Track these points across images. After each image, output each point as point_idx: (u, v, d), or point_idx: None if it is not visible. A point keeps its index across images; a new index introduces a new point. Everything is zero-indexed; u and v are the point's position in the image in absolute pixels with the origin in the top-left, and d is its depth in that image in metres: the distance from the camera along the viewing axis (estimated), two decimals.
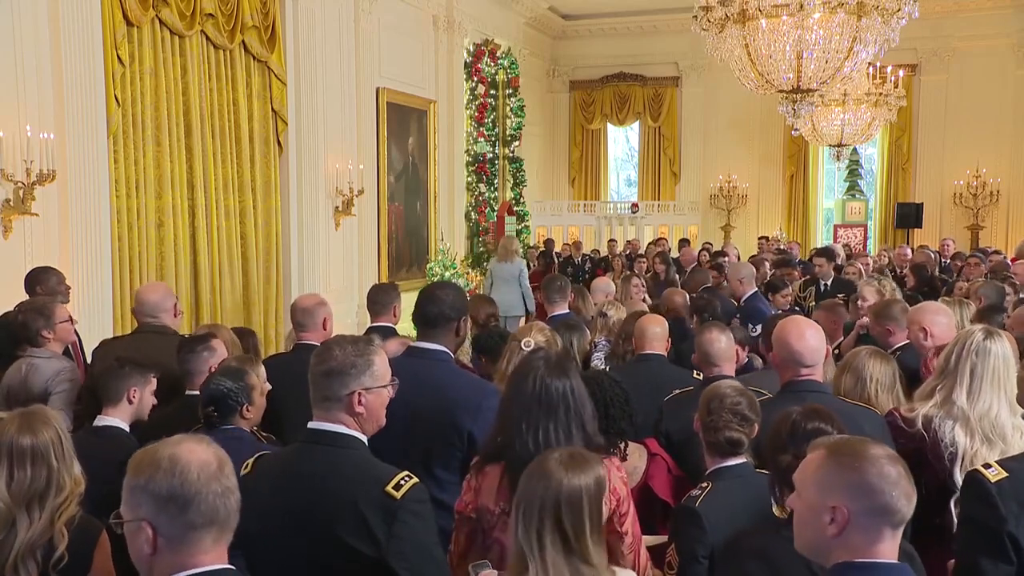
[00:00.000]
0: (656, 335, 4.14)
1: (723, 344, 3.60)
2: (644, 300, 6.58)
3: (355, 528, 2.11)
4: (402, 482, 2.14)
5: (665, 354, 4.18)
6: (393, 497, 2.11)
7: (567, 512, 1.91)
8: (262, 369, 3.29)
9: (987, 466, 2.32)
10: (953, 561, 2.44)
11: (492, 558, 2.37)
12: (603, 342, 4.80)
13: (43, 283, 4.83)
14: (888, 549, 1.74)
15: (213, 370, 3.43)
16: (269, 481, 2.24)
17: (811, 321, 3.34)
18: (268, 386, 3.30)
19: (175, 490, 1.60)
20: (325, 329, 3.98)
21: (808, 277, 8.43)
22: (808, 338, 3.09)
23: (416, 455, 2.85)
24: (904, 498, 1.73)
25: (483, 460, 2.50)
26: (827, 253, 8.60)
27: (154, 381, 3.36)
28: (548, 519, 1.91)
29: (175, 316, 4.22)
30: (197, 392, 3.30)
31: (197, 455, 1.65)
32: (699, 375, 4.19)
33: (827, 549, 1.76)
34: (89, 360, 4.51)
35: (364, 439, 2.27)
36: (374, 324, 4.41)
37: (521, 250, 10.78)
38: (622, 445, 3.05)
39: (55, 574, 2.27)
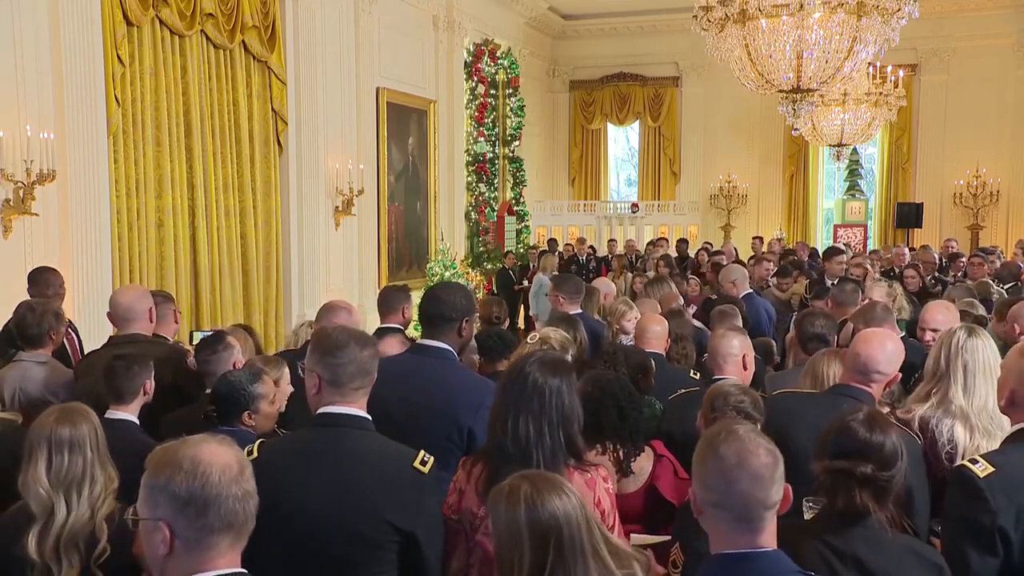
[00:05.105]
0: (656, 334, 4.15)
1: (734, 348, 3.49)
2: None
3: (391, 503, 2.23)
4: (426, 459, 2.31)
5: (664, 353, 4.18)
6: (422, 472, 2.28)
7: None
8: (286, 373, 3.28)
9: (974, 461, 2.34)
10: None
11: (474, 561, 2.38)
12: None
13: (36, 284, 4.81)
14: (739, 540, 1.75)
15: (238, 366, 3.48)
16: (287, 465, 2.28)
17: (892, 335, 3.19)
18: (291, 388, 3.29)
19: (195, 492, 1.57)
20: None
21: (815, 278, 8.36)
22: (872, 345, 2.94)
23: None
24: (748, 481, 1.73)
25: (473, 459, 2.50)
26: (836, 251, 8.45)
27: (152, 364, 3.35)
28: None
29: (151, 321, 4.01)
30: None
31: (219, 457, 1.62)
32: (695, 375, 4.20)
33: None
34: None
35: (371, 419, 2.38)
36: (383, 326, 4.34)
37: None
38: (643, 446, 3.10)
39: (96, 568, 2.32)
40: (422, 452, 2.32)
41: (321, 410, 2.33)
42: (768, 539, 1.76)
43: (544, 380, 2.38)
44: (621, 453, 3.07)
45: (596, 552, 1.87)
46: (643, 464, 3.11)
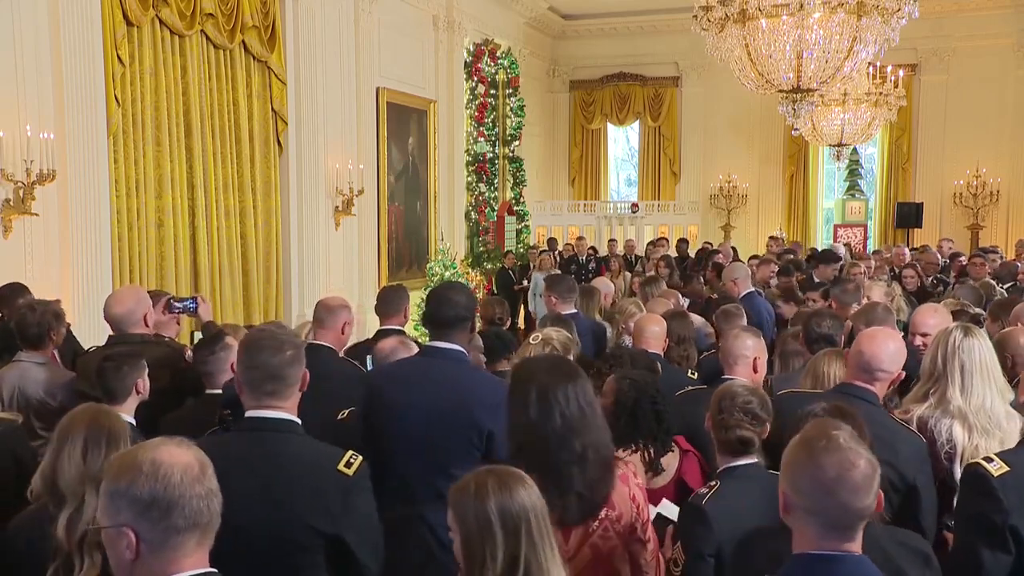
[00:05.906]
0: (655, 334, 4.14)
1: (747, 349, 3.46)
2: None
3: (313, 507, 2.22)
4: (351, 460, 2.29)
5: (662, 353, 4.18)
6: (346, 475, 2.26)
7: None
8: None
9: (988, 459, 2.35)
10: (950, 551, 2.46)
11: None
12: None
13: (6, 305, 4.58)
14: (822, 542, 1.74)
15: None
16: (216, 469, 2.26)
17: (895, 334, 3.19)
18: None
19: (158, 495, 1.56)
20: (343, 334, 3.95)
21: (815, 279, 8.33)
22: (876, 343, 2.93)
23: (432, 455, 2.83)
24: (847, 493, 1.70)
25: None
26: (831, 257, 8.41)
27: (145, 363, 3.35)
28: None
29: (146, 324, 4.02)
30: (219, 391, 3.36)
31: (179, 458, 1.61)
32: (693, 375, 4.21)
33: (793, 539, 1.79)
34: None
35: (300, 422, 2.35)
36: (383, 328, 4.33)
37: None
38: (672, 444, 3.14)
39: None
40: (349, 453, 2.30)
41: (247, 413, 2.31)
42: (856, 546, 1.75)
43: (579, 390, 2.41)
44: (652, 452, 3.07)
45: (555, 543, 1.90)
46: (670, 461, 3.14)
